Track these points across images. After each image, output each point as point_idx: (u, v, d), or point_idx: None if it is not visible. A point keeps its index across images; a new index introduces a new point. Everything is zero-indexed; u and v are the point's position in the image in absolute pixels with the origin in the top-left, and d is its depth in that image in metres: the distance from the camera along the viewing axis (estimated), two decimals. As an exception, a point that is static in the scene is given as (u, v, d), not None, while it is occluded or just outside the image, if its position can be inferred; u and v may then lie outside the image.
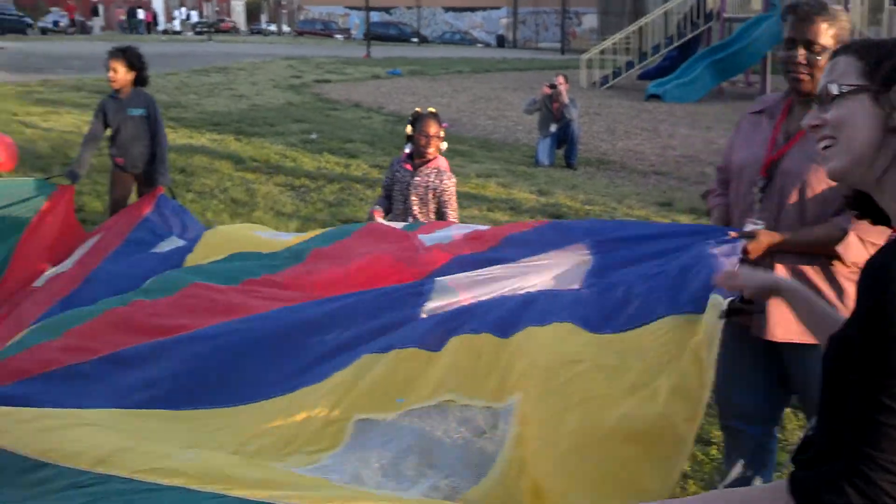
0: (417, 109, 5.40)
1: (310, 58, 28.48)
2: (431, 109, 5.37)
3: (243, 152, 11.41)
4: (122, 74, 6.16)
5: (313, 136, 13.06)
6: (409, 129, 5.27)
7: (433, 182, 5.12)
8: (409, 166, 5.21)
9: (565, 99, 11.92)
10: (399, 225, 4.24)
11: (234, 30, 62.05)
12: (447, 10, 53.26)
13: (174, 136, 12.12)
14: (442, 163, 5.27)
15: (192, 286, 3.44)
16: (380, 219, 5.14)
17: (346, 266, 3.49)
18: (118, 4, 62.47)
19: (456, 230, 3.75)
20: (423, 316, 2.77)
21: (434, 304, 2.84)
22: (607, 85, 22.71)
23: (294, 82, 21.12)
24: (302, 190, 9.41)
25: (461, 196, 9.37)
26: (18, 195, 5.64)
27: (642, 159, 12.68)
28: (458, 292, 2.89)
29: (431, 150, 5.15)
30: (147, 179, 6.25)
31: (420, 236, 3.71)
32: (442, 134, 5.24)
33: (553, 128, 12.09)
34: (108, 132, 6.35)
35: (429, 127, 5.13)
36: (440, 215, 5.16)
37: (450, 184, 5.18)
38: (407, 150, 5.34)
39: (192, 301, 3.32)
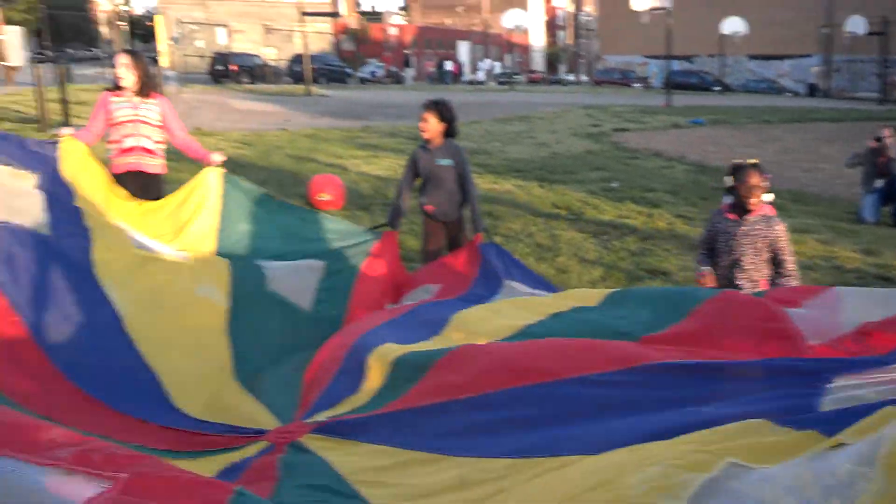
0: (737, 161, 5.16)
1: (608, 106, 28.58)
2: (753, 160, 5.11)
3: (546, 198, 11.57)
4: (433, 125, 6.27)
5: (614, 184, 12.98)
6: (729, 179, 5.05)
7: (763, 230, 4.91)
8: (732, 216, 5.02)
9: (893, 153, 10.91)
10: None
11: (543, 80, 64.12)
12: (752, 57, 51.28)
13: (480, 181, 12.58)
14: (767, 209, 5.02)
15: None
16: (711, 285, 4.98)
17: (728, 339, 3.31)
18: (428, 57, 66.82)
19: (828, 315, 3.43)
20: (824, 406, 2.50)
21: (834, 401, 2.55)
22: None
23: (592, 131, 21.24)
24: (604, 238, 9.33)
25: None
26: (351, 237, 6.09)
27: None
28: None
29: (754, 200, 4.92)
30: (458, 227, 6.41)
31: (789, 311, 3.44)
32: (765, 185, 4.97)
33: (878, 183, 11.12)
34: (419, 181, 6.54)
35: (751, 178, 4.91)
36: (776, 263, 4.93)
37: (780, 229, 4.94)
38: (727, 201, 5.13)
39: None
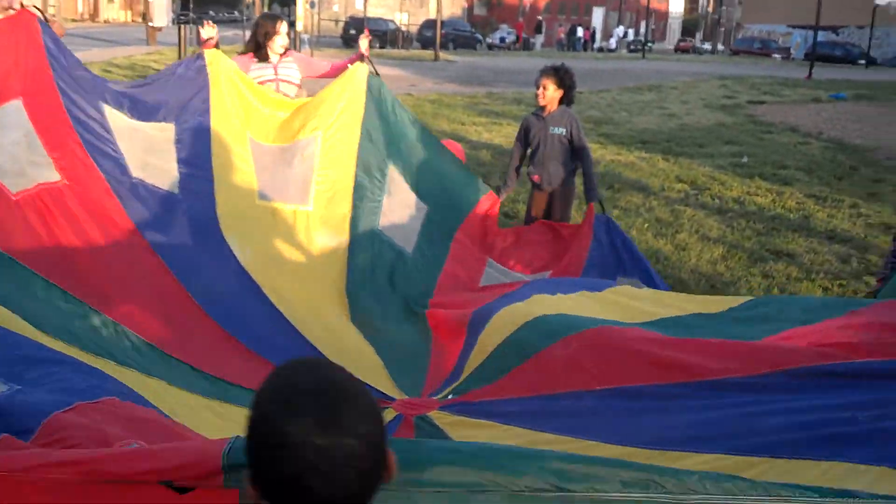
0: None
1: (745, 77, 27.45)
2: None
3: (671, 172, 11.25)
4: (550, 92, 6.14)
5: (744, 159, 12.49)
6: None
7: None
8: None
9: None
10: None
11: (692, 49, 62.05)
12: (905, 29, 48.16)
13: (603, 153, 12.35)
14: None
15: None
16: None
17: None
18: (560, 22, 65.80)
19: None
20: None
21: None
22: None
23: (726, 102, 20.47)
24: (729, 215, 9.00)
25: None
26: (464, 183, 6.10)
27: None
28: None
29: None
30: (565, 198, 6.30)
31: None
32: None
33: None
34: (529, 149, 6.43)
35: None
36: None
37: None
38: None
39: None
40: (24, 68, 4.44)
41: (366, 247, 5.09)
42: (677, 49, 57.03)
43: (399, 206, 5.47)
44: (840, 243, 8.06)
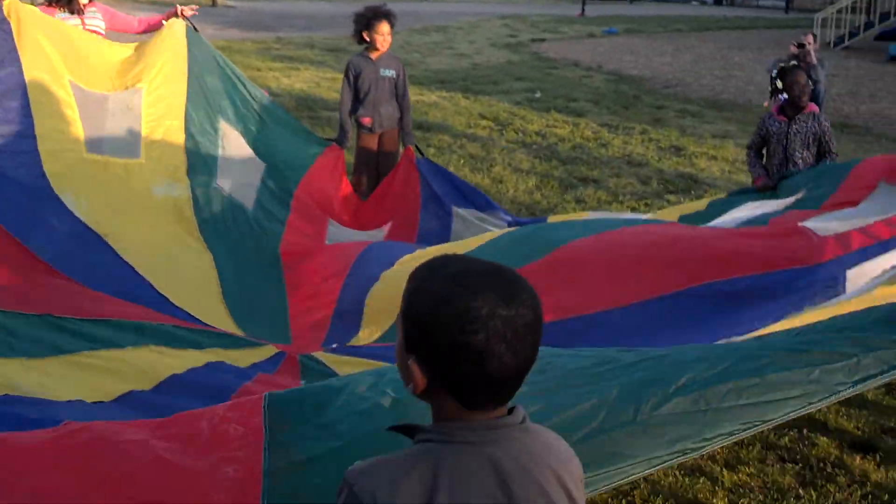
0: (782, 64, 6.16)
1: (524, 16, 28.38)
2: (794, 62, 6.22)
3: (472, 109, 11.57)
4: (390, 37, 6.18)
5: (537, 94, 13.05)
6: (778, 83, 5.82)
7: (812, 126, 5.48)
8: (783, 118, 5.56)
9: (813, 59, 11.19)
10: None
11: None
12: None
13: (405, 93, 12.48)
14: (814, 107, 5.65)
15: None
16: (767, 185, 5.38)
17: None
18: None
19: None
20: None
21: None
22: (843, 45, 21.21)
23: (510, 41, 21.14)
24: (534, 147, 9.43)
25: (701, 157, 9.12)
26: (302, 139, 6.01)
27: (890, 123, 11.80)
28: None
29: (805, 99, 5.53)
30: (393, 140, 6.36)
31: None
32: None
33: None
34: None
35: (800, 78, 5.53)
36: (820, 157, 5.51)
37: (828, 124, 5.59)
38: (776, 104, 5.97)
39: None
40: None
41: (206, 202, 4.93)
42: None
43: (236, 163, 5.30)
44: (637, 167, 8.68)
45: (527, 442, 1.36)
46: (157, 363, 3.29)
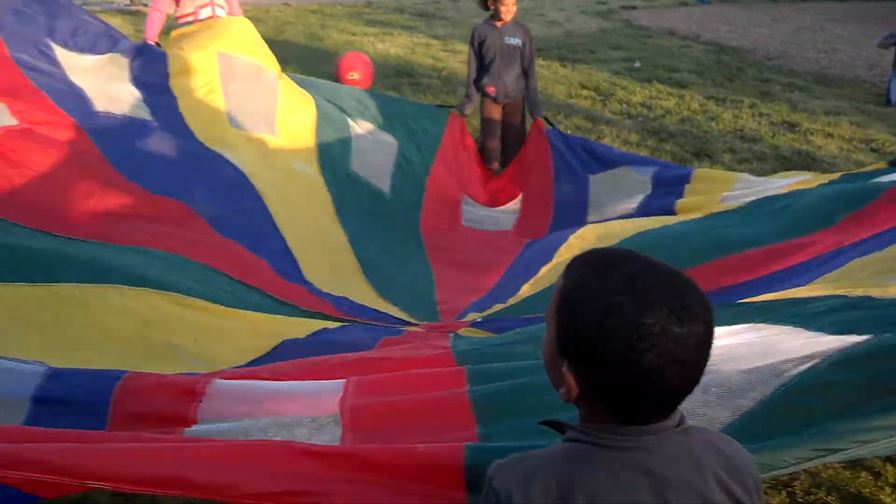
0: None
1: (611, -17, 27.77)
2: None
3: (572, 78, 11.37)
4: (514, 6, 6.08)
5: (636, 63, 12.75)
6: None
7: None
8: None
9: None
10: None
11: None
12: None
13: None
14: None
15: None
16: None
17: None
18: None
19: None
20: None
21: None
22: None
23: (601, 9, 20.69)
24: (640, 119, 9.22)
25: (816, 133, 8.79)
26: (421, 112, 5.99)
27: None
28: None
29: None
30: (518, 110, 6.27)
31: None
32: None
33: (910, 65, 10.96)
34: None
35: None
36: None
37: None
38: None
39: None
40: None
41: (341, 184, 4.92)
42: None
43: (370, 143, 5.30)
44: (751, 142, 8.42)
45: (686, 446, 1.24)
46: (308, 323, 3.31)
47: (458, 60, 11.88)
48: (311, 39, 13.14)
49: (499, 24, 6.05)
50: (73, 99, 4.05)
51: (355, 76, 9.62)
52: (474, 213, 5.33)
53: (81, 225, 3.47)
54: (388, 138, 5.38)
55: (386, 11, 17.94)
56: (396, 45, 13.20)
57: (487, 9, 6.15)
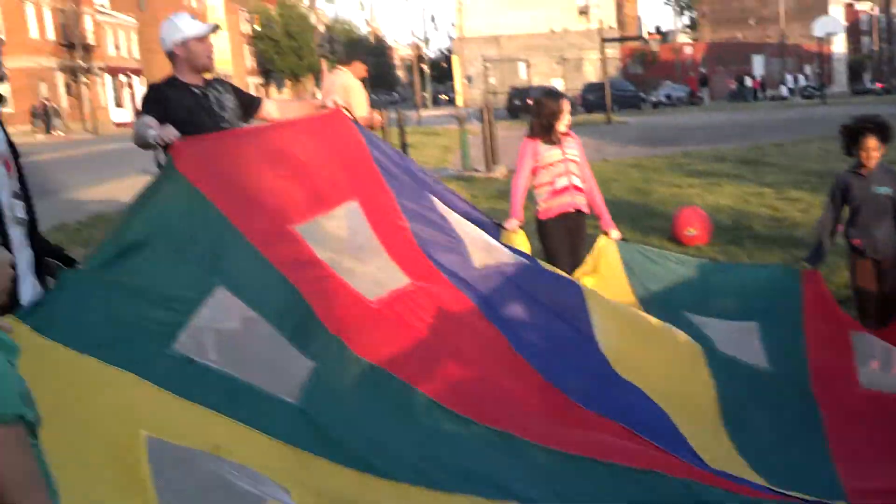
0: None
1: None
2: None
3: None
4: (878, 151, 5.57)
5: None
6: None
7: None
8: None
9: None
10: None
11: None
12: None
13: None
14: None
15: None
16: None
17: None
18: (720, 75, 64.25)
19: None
20: None
21: None
22: None
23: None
24: None
25: None
26: (770, 278, 5.48)
27: None
28: None
29: None
30: (889, 269, 5.59)
31: None
32: None
33: None
34: (846, 211, 5.80)
35: None
36: None
37: None
38: None
39: None
40: (353, 167, 4.26)
41: (721, 372, 4.52)
42: (855, 92, 54.73)
43: (724, 333, 4.89)
44: None
45: None
46: None
47: (796, 209, 11.15)
48: (638, 195, 13.03)
49: (864, 171, 5.52)
50: (454, 256, 4.22)
51: (693, 232, 9.29)
52: (868, 351, 4.74)
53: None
54: (743, 325, 4.96)
55: (706, 160, 17.58)
56: (726, 196, 12.69)
57: (851, 155, 5.64)
